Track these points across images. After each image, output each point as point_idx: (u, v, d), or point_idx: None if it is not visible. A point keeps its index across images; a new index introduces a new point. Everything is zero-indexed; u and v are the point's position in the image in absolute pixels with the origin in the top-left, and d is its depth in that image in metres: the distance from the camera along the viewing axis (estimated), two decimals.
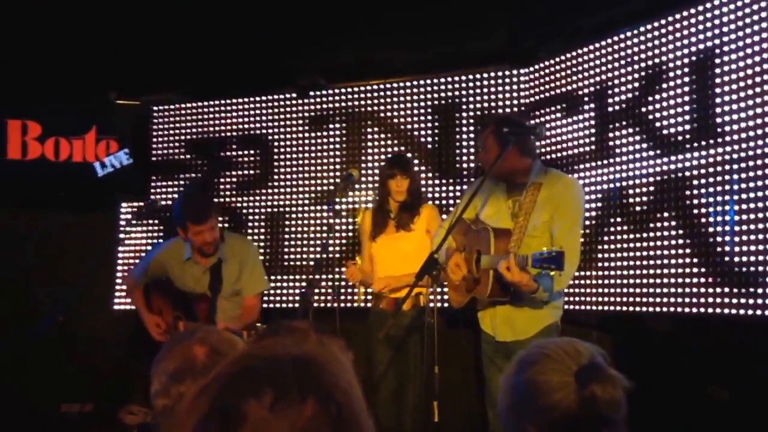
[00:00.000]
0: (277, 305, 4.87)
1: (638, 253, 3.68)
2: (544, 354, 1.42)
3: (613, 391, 1.35)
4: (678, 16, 3.56)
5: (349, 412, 0.82)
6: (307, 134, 4.96)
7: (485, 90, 4.53)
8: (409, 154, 4.63)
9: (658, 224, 3.59)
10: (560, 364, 1.39)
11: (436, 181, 4.63)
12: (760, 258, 3.12)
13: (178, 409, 0.89)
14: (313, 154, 4.94)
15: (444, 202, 4.55)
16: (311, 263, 4.73)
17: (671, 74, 3.58)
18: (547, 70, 4.30)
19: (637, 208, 3.72)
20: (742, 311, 3.19)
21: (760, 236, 3.13)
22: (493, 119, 3.93)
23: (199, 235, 3.73)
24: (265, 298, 4.77)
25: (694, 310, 3.39)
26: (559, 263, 2.91)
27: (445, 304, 3.96)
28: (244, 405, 0.78)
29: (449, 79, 4.62)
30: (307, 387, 0.80)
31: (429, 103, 4.67)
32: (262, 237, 5.00)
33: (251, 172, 5.08)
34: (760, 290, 3.12)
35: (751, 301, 3.15)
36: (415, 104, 4.70)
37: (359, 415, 0.83)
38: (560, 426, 1.36)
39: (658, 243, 3.58)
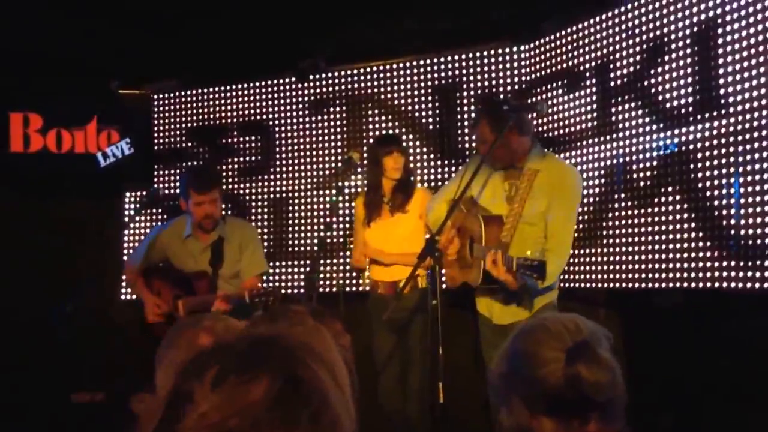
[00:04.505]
0: (282, 291, 4.86)
1: (643, 229, 3.64)
2: (543, 326, 1.38)
3: (600, 374, 1.30)
4: None
5: (311, 387, 0.80)
6: (307, 118, 4.93)
7: (486, 68, 4.47)
8: (410, 135, 4.60)
9: (663, 199, 3.55)
10: (556, 338, 1.35)
11: (438, 162, 4.59)
12: (767, 231, 3.07)
13: (151, 401, 0.91)
14: (314, 138, 4.91)
15: (446, 183, 4.51)
16: (315, 246, 4.71)
17: (673, 46, 3.51)
18: (548, 46, 4.24)
19: (641, 183, 3.67)
20: (748, 284, 3.14)
21: (767, 208, 3.08)
22: (486, 106, 3.88)
23: (200, 207, 3.76)
24: (270, 284, 4.77)
25: (701, 284, 3.35)
26: (541, 273, 2.91)
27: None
28: (190, 386, 0.79)
29: (449, 58, 4.57)
30: (256, 365, 0.79)
31: (429, 83, 4.63)
32: (265, 223, 4.99)
33: (253, 158, 5.06)
34: (767, 263, 3.07)
35: (758, 275, 3.11)
36: (416, 85, 4.66)
37: (325, 390, 0.81)
38: (544, 401, 1.32)
39: (663, 218, 3.53)
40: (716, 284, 3.28)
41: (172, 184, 5.19)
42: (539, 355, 1.34)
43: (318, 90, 4.90)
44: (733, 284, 3.21)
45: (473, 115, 4.41)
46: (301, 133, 4.94)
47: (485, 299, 3.42)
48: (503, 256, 3.01)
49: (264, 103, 5.04)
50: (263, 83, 5.04)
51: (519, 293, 3.24)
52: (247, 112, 5.08)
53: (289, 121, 4.98)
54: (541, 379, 1.32)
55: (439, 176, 4.57)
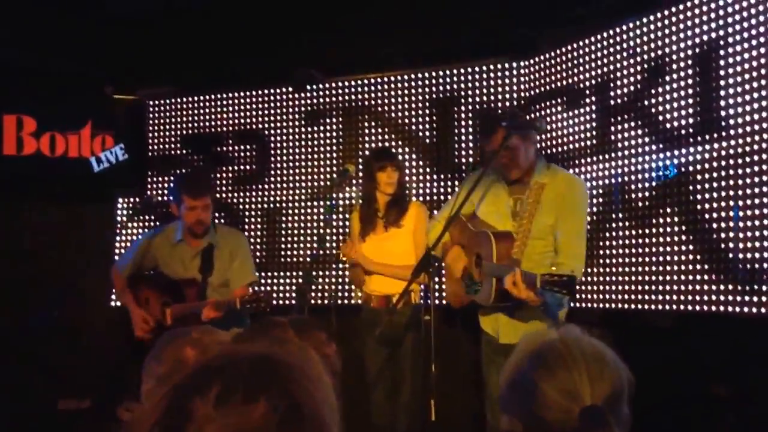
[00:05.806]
0: (274, 302, 4.80)
1: (640, 250, 3.61)
2: (564, 363, 1.26)
3: None
4: (681, 7, 3.47)
5: (310, 410, 0.81)
6: (303, 129, 4.90)
7: (484, 83, 4.45)
8: (407, 148, 4.57)
9: (661, 220, 3.52)
10: (574, 387, 1.23)
11: (434, 176, 4.56)
12: (765, 255, 3.05)
13: (138, 412, 0.89)
14: (310, 149, 4.87)
15: (442, 197, 4.48)
16: (308, 259, 4.67)
17: (674, 66, 3.50)
18: (547, 62, 4.22)
19: (640, 204, 3.65)
20: (746, 309, 3.12)
21: (765, 233, 3.05)
22: (506, 116, 3.80)
23: (192, 212, 3.75)
24: (262, 290, 4.71)
25: (697, 307, 3.32)
26: (571, 289, 2.73)
27: (443, 302, 3.90)
28: (190, 403, 0.78)
29: (447, 72, 4.55)
30: (259, 386, 0.79)
31: (427, 96, 4.60)
32: (258, 233, 4.94)
33: (248, 167, 5.03)
34: (765, 287, 3.05)
35: (755, 299, 3.08)
36: (413, 98, 4.63)
37: (322, 412, 0.83)
38: None
39: (661, 239, 3.51)
40: (713, 307, 3.25)
41: (165, 191, 5.14)
42: (549, 399, 1.24)
43: (315, 101, 4.87)
44: (731, 308, 3.18)
45: (474, 128, 4.39)
46: (297, 143, 4.91)
47: (491, 317, 3.32)
48: (522, 274, 2.91)
49: (260, 112, 5.01)
50: (260, 92, 5.01)
51: (533, 310, 3.15)
52: (242, 120, 5.05)
53: (284, 131, 4.94)
54: (546, 420, 1.24)
55: (435, 190, 4.54)
